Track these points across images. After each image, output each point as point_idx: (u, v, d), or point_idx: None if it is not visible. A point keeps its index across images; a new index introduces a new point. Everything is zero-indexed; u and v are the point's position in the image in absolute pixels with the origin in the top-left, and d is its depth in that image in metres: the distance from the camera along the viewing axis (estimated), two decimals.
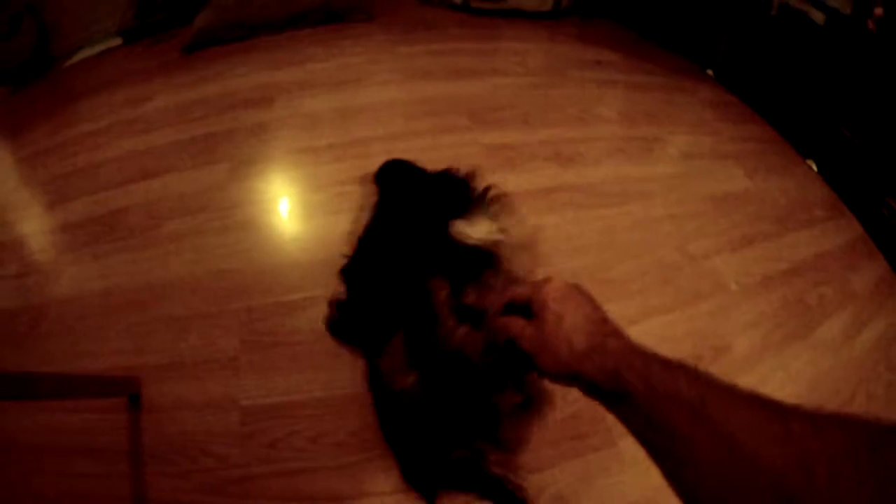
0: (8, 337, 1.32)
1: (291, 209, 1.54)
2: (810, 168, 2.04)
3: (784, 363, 1.23)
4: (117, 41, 2.68)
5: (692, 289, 1.36)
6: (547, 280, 0.58)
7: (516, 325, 0.57)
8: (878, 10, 1.97)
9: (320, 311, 1.22)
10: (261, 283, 1.32)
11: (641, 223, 1.54)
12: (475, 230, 0.98)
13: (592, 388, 0.49)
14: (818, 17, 2.22)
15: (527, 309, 0.58)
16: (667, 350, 0.48)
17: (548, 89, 2.08)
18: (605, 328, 0.52)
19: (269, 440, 1.04)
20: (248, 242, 1.42)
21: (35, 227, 1.78)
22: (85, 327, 1.30)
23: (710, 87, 2.46)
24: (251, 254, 1.39)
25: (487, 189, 1.18)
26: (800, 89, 2.22)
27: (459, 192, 1.17)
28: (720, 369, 1.19)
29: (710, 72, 2.59)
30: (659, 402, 0.40)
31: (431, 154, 1.58)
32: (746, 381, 1.11)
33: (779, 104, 2.30)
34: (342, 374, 1.12)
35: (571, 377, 0.50)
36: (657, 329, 1.26)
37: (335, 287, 1.25)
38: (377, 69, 2.04)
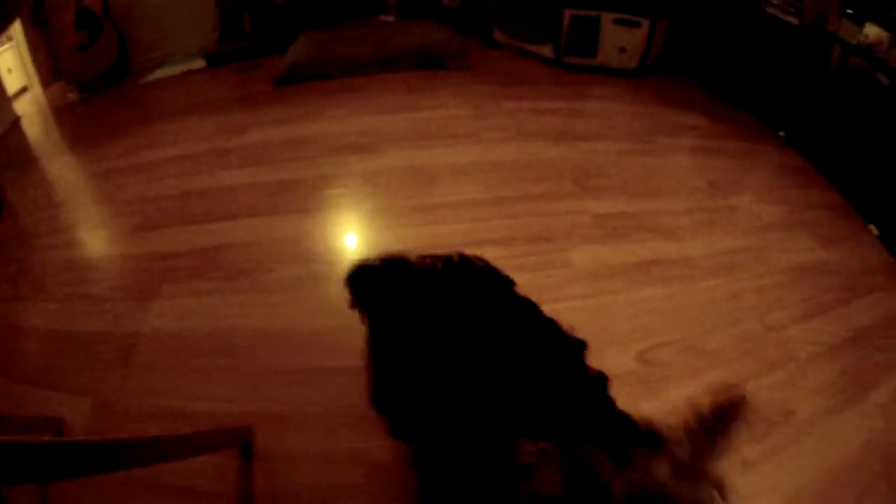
0: (94, 362, 1.35)
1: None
2: (872, 233, 2.16)
3: (841, 426, 1.34)
4: (201, 63, 2.74)
5: (770, 358, 1.48)
6: None
7: None
8: None
9: None
10: None
11: (731, 296, 1.67)
12: None
13: None
14: (883, 78, 2.31)
15: None
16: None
17: (642, 156, 2.20)
18: None
19: (397, 494, 1.08)
20: None
21: (124, 250, 1.81)
22: (184, 367, 1.33)
23: (781, 150, 2.61)
24: None
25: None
26: (864, 152, 2.33)
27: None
28: (787, 432, 1.32)
29: (781, 133, 2.69)
30: None
31: (544, 221, 1.60)
32: (807, 443, 1.28)
33: (844, 167, 2.41)
34: None
35: None
36: None
37: None
38: (485, 125, 2.15)
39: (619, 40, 2.66)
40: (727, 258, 1.80)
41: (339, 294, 1.48)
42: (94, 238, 1.88)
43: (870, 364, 1.53)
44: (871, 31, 2.36)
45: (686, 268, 1.72)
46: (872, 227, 2.17)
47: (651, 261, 1.71)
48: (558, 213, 1.76)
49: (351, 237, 1.71)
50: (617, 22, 2.61)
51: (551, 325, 0.93)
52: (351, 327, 1.40)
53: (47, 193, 2.16)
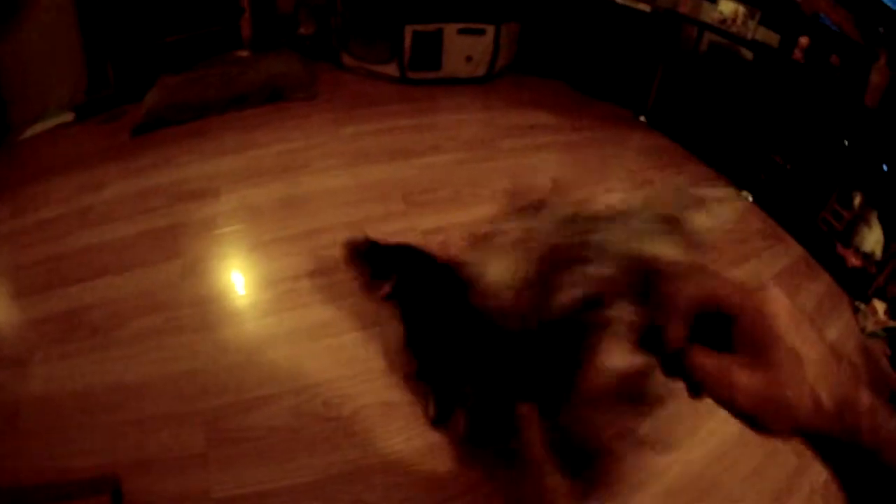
0: None
1: (244, 308, 1.75)
2: (747, 199, 2.32)
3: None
4: (69, 116, 2.83)
5: None
6: (764, 289, 0.41)
7: (727, 372, 0.40)
8: (804, 40, 2.28)
9: (278, 408, 1.43)
10: (221, 383, 1.50)
11: None
12: None
13: (818, 443, 0.40)
14: (747, 54, 2.54)
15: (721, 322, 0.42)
16: None
17: (480, 163, 2.32)
18: (845, 372, 0.40)
19: None
20: (206, 343, 1.62)
21: (3, 319, 1.92)
22: (61, 427, 1.45)
23: (642, 134, 2.72)
24: (209, 354, 1.58)
25: None
26: (732, 125, 2.51)
27: None
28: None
29: (642, 118, 2.87)
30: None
31: None
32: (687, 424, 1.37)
33: (712, 142, 2.57)
34: (303, 464, 1.32)
35: (803, 434, 0.39)
36: None
37: (290, 385, 1.46)
38: (319, 153, 2.28)
39: (465, 49, 2.79)
40: None
41: (178, 343, 1.61)
42: None
43: None
44: (726, 7, 2.51)
45: None
46: (746, 194, 2.35)
47: None
48: (385, 233, 1.80)
49: (190, 284, 1.82)
50: (461, 32, 2.74)
51: None
52: (187, 372, 1.56)
53: None
